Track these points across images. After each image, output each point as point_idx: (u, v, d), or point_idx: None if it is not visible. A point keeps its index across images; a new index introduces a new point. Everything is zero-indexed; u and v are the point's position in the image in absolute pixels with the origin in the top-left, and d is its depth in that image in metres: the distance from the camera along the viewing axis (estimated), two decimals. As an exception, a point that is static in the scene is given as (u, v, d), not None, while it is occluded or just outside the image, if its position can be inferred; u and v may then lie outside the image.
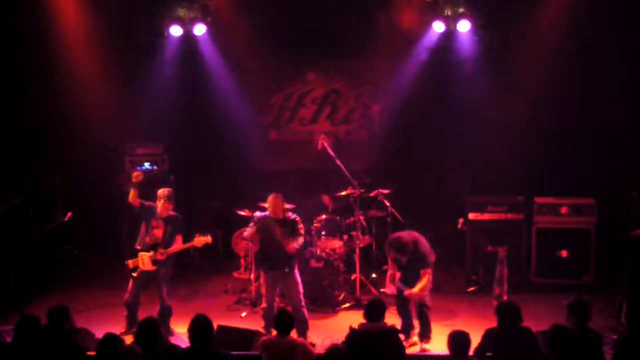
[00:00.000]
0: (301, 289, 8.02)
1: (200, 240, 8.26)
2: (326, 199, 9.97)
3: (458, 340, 5.83)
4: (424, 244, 7.86)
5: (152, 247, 8.11)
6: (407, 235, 7.83)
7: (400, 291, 7.90)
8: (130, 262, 8.14)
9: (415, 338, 7.99)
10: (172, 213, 8.25)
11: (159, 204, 8.19)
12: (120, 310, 8.30)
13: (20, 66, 10.46)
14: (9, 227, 9.57)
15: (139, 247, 8.17)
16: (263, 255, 8.08)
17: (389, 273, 8.01)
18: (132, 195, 8.16)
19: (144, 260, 8.09)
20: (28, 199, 9.86)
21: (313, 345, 6.74)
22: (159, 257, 8.11)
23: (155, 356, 5.73)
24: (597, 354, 6.01)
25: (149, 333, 5.97)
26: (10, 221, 9.59)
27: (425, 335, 7.87)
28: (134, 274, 8.14)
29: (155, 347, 5.79)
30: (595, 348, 6.01)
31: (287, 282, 8.00)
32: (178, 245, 8.21)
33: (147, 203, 8.25)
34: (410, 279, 7.80)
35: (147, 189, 10.23)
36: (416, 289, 7.69)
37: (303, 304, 8.00)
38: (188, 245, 8.31)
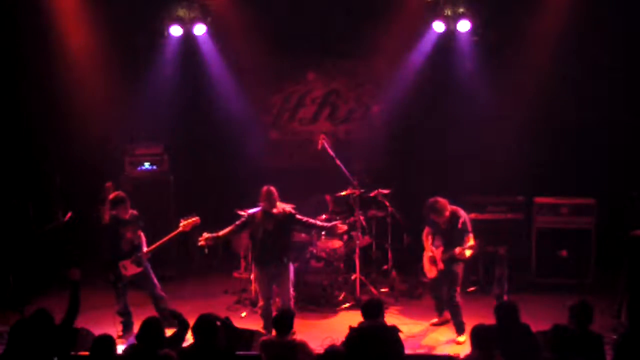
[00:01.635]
0: (291, 283, 8.12)
1: (187, 223, 8.17)
2: (328, 198, 9.98)
3: (483, 335, 5.82)
4: (464, 214, 8.07)
5: (132, 250, 8.04)
6: (445, 201, 7.99)
7: (440, 271, 8.06)
8: (112, 275, 8.01)
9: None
10: (128, 215, 8.11)
11: (120, 209, 8.04)
12: (119, 311, 8.30)
13: (20, 66, 10.46)
14: (9, 227, 9.57)
15: (115, 257, 8.03)
16: (257, 251, 8.07)
17: (427, 255, 8.16)
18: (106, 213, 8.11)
19: (128, 266, 8.02)
20: (28, 199, 9.85)
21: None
22: (145, 256, 8.08)
23: (157, 355, 5.73)
24: (599, 355, 6.01)
25: (151, 332, 5.98)
26: (10, 221, 9.59)
27: (460, 329, 8.06)
28: (120, 284, 8.05)
29: (158, 346, 5.80)
30: (596, 349, 6.02)
31: (280, 275, 8.01)
32: (165, 238, 8.15)
33: (106, 221, 8.14)
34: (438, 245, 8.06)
35: (147, 188, 10.32)
36: (468, 252, 7.86)
37: (291, 297, 8.12)
38: (175, 232, 8.21)
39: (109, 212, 8.12)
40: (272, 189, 8.01)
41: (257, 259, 8.11)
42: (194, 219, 8.24)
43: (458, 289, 8.09)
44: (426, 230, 8.30)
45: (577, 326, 6.05)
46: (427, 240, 8.23)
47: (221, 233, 8.18)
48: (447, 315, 8.52)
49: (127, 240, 8.05)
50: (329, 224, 8.42)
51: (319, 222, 8.46)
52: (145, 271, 8.14)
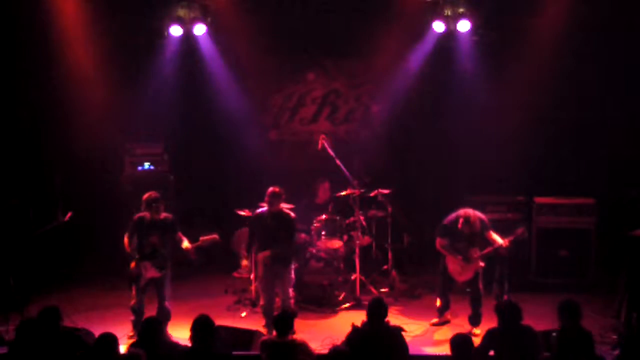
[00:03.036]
0: (291, 283, 8.27)
1: (206, 239, 8.09)
2: (327, 185, 9.97)
3: (460, 343, 5.84)
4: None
5: (153, 253, 7.95)
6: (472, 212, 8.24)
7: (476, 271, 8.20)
8: (135, 271, 7.91)
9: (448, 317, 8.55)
10: (161, 217, 8.00)
11: (152, 209, 7.93)
12: (120, 311, 8.29)
13: (20, 66, 10.45)
14: (9, 227, 9.56)
15: (137, 256, 7.94)
16: (262, 250, 8.17)
17: (457, 262, 8.23)
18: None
19: (149, 268, 7.94)
20: (28, 199, 9.85)
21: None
22: (191, 255, 8.04)
23: (157, 355, 5.73)
24: (590, 352, 6.04)
25: (150, 332, 5.99)
26: (10, 221, 9.59)
27: (476, 321, 8.19)
28: (140, 283, 7.97)
29: (156, 346, 5.80)
30: (587, 347, 6.07)
31: (282, 274, 8.16)
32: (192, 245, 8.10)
33: (137, 216, 8.03)
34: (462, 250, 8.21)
35: (147, 188, 10.29)
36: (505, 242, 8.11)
37: (291, 296, 8.25)
38: (194, 245, 8.12)
39: (141, 211, 8.04)
40: (277, 189, 8.14)
41: (261, 258, 8.18)
42: (213, 236, 8.16)
43: (481, 289, 8.31)
44: (440, 241, 8.31)
45: (567, 323, 6.10)
46: (448, 249, 8.27)
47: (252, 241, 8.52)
48: (447, 316, 8.54)
49: (150, 242, 7.93)
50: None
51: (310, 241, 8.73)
52: (162, 279, 8.03)
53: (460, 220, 8.16)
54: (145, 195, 8.05)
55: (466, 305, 8.41)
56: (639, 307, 7.97)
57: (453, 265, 8.28)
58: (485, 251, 8.19)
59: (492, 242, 8.19)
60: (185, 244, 8.05)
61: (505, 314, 6.25)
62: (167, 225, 8.05)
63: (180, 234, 8.12)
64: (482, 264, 8.23)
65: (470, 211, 8.20)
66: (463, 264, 8.20)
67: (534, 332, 6.26)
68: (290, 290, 8.26)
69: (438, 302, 8.53)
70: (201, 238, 8.12)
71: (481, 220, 8.22)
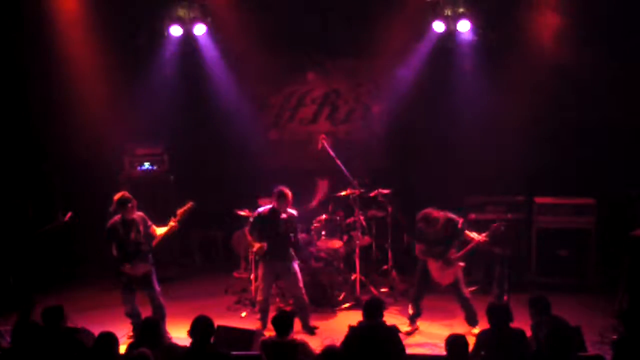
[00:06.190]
0: (300, 277, 8.36)
1: (182, 210, 8.01)
2: (324, 184, 9.96)
3: (456, 344, 5.84)
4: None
5: (137, 251, 7.92)
6: (436, 211, 8.11)
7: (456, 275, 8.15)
8: (123, 277, 7.89)
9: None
10: (133, 216, 7.94)
11: (126, 210, 7.87)
12: (120, 311, 8.25)
13: (20, 66, 10.47)
14: (9, 227, 9.57)
15: (120, 258, 7.92)
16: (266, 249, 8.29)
17: (435, 266, 8.16)
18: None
19: (137, 266, 7.90)
20: (28, 199, 9.86)
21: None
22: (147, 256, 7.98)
23: (156, 355, 5.73)
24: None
25: (149, 332, 5.99)
26: (10, 221, 9.60)
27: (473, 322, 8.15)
28: (127, 284, 7.95)
29: (156, 346, 5.80)
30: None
31: (287, 271, 8.30)
32: (161, 233, 8.05)
33: (110, 223, 7.95)
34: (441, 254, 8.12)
35: (147, 188, 10.32)
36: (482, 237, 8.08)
37: (303, 291, 8.34)
38: (169, 227, 8.05)
39: (113, 213, 7.98)
40: (286, 191, 8.18)
41: (263, 256, 8.30)
42: (188, 205, 8.07)
43: (466, 295, 8.24)
44: (419, 247, 8.26)
45: (544, 317, 6.32)
46: (426, 254, 8.22)
47: (255, 235, 8.39)
48: (417, 324, 8.44)
49: (131, 241, 7.91)
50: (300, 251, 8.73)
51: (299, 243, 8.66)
52: (149, 275, 7.99)
53: (420, 221, 8.11)
54: (118, 196, 7.96)
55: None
56: (638, 308, 7.97)
57: (434, 268, 8.22)
58: (464, 250, 8.13)
59: (470, 240, 8.14)
60: (160, 231, 8.02)
61: (494, 317, 6.26)
62: (141, 222, 8.00)
63: (153, 227, 8.06)
64: (462, 264, 8.20)
65: (430, 210, 8.12)
66: (444, 266, 8.14)
67: (524, 334, 6.27)
68: (301, 285, 8.35)
69: (410, 310, 8.44)
70: (178, 211, 8.06)
71: (449, 219, 8.10)
